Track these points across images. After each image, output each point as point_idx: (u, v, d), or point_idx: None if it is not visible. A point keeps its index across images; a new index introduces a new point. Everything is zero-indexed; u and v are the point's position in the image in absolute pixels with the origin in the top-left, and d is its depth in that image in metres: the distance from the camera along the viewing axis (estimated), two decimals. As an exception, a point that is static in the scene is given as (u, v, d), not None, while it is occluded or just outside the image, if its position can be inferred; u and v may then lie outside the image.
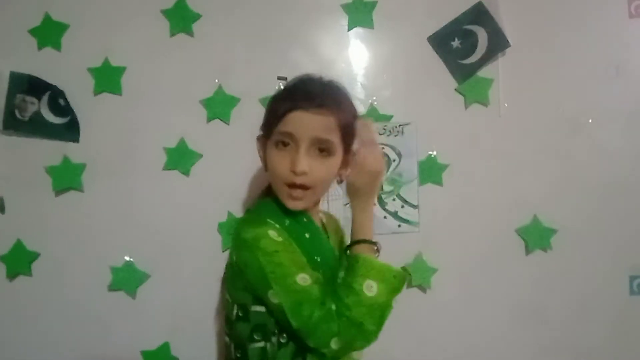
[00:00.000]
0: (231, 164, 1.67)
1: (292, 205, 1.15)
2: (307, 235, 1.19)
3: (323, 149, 1.12)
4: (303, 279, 1.07)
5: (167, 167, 1.66)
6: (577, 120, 1.76)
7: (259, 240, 1.09)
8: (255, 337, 1.15)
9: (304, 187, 1.13)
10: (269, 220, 1.15)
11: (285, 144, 1.12)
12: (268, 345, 1.14)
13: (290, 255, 1.10)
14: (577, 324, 1.77)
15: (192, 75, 1.66)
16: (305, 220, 1.22)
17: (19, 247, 1.65)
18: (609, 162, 1.76)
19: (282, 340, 1.14)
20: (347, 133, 1.15)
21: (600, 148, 1.76)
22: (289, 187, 1.13)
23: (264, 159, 1.21)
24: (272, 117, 1.15)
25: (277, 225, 1.14)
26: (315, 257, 1.17)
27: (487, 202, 1.74)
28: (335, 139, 1.12)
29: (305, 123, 1.10)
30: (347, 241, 1.26)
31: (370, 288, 1.07)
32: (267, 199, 1.24)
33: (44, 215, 1.66)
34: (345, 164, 1.19)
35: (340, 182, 1.23)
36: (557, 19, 1.75)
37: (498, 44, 1.68)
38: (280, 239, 1.10)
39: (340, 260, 1.26)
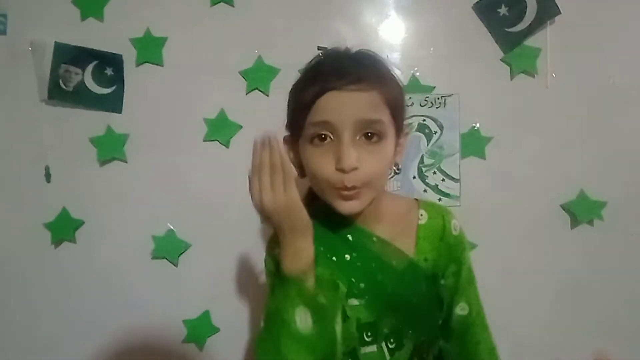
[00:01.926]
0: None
1: (347, 208, 0.95)
2: (347, 257, 1.02)
3: (372, 133, 0.92)
4: None
5: (208, 137, 1.67)
6: (628, 92, 1.68)
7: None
8: None
9: (356, 184, 0.93)
10: None
11: (322, 138, 0.93)
12: None
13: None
14: (622, 302, 1.72)
15: (232, 46, 1.65)
16: (350, 239, 1.04)
17: (64, 215, 1.69)
18: (662, 136, 1.68)
19: None
20: (397, 108, 0.97)
21: (653, 121, 1.68)
22: (338, 189, 0.94)
23: (297, 164, 1.02)
24: (298, 108, 0.95)
25: None
26: (358, 284, 1.01)
27: (532, 177, 1.68)
28: (385, 117, 0.94)
29: (344, 105, 0.90)
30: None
31: None
32: (317, 203, 1.03)
33: (88, 185, 1.70)
34: (398, 147, 1.02)
35: (397, 171, 1.10)
36: (610, -16, 1.67)
37: (547, 11, 1.61)
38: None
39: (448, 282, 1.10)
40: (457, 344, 1.13)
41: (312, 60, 1.03)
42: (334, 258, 1.02)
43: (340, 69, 0.92)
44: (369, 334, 1.01)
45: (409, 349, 1.05)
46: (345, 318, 0.98)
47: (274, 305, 0.93)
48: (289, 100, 1.03)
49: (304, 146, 0.96)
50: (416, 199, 1.14)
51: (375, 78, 0.93)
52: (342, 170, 0.91)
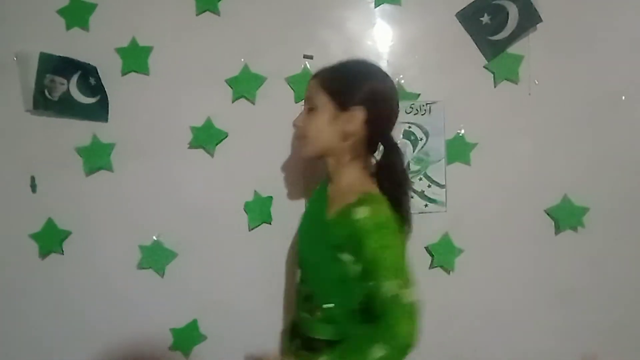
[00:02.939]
0: (257, 143, 1.67)
1: (300, 152, 1.36)
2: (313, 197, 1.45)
3: (310, 107, 1.31)
4: None
5: (193, 145, 1.67)
6: (610, 97, 1.72)
7: None
8: None
9: (302, 137, 1.34)
10: None
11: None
12: None
13: None
14: (606, 305, 1.74)
15: (218, 54, 1.66)
16: (318, 187, 1.42)
17: (50, 225, 1.68)
18: (643, 140, 1.72)
19: None
20: (333, 90, 1.28)
21: (634, 125, 1.71)
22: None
23: None
24: None
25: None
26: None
27: (516, 182, 1.71)
28: (318, 96, 1.29)
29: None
30: None
31: None
32: None
33: (74, 195, 1.68)
34: (341, 120, 1.27)
35: (345, 140, 1.28)
36: (590, -7, 1.70)
37: (529, 19, 1.64)
38: None
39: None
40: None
41: None
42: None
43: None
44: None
45: (303, 293, 1.33)
46: None
47: None
48: None
49: None
50: (369, 193, 1.25)
51: (322, 73, 1.32)
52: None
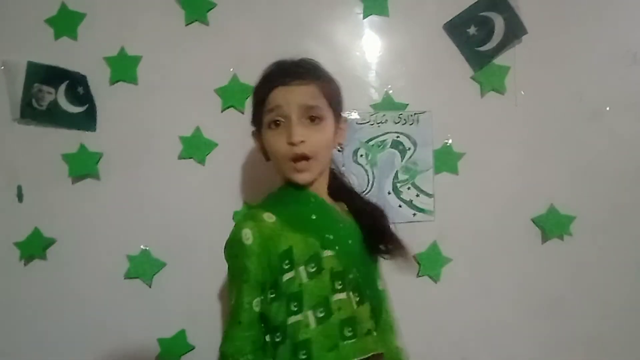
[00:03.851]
0: (246, 153, 1.67)
1: (300, 178, 1.17)
2: (313, 217, 1.19)
3: (313, 116, 1.16)
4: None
5: (183, 156, 1.66)
6: (595, 108, 1.74)
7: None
8: None
9: (305, 158, 1.15)
10: (264, 211, 1.15)
11: (277, 124, 1.16)
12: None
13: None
14: (593, 314, 1.76)
15: (207, 64, 1.66)
16: (312, 201, 1.21)
17: (36, 235, 1.66)
18: (627, 150, 1.75)
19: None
20: (333, 99, 1.21)
21: (618, 136, 1.74)
22: (292, 162, 1.16)
23: (263, 150, 1.25)
24: (257, 103, 1.22)
25: (271, 218, 1.14)
26: (328, 236, 1.16)
27: (503, 191, 1.73)
28: (322, 104, 1.17)
29: (290, 95, 1.15)
30: None
31: None
32: (274, 190, 1.27)
33: (61, 204, 1.67)
34: (339, 131, 1.26)
35: (340, 150, 1.30)
36: (574, 5, 1.73)
37: (515, 30, 1.66)
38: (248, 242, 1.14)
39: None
40: None
41: (267, 68, 1.25)
42: (305, 221, 1.18)
43: (284, 71, 1.19)
44: (340, 282, 1.14)
45: (368, 308, 1.18)
46: (321, 270, 1.13)
47: None
48: (252, 99, 1.26)
49: (264, 132, 1.19)
50: None
51: (313, 76, 1.19)
52: (292, 144, 1.13)
